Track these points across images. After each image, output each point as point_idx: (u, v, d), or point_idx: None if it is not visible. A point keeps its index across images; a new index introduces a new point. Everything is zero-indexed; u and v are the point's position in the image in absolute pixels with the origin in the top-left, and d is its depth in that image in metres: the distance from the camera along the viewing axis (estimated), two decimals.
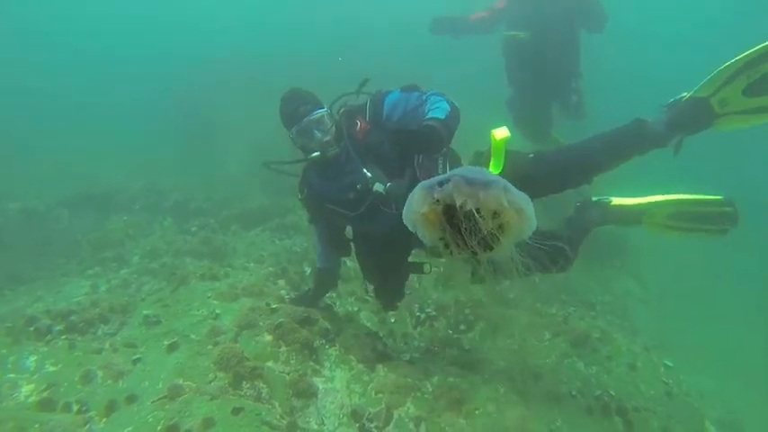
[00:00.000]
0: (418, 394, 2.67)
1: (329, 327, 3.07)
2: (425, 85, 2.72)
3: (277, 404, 2.40)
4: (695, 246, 7.24)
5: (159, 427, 2.10)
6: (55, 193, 6.47)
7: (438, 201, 1.47)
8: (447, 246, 1.58)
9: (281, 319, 2.89)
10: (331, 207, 2.77)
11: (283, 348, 2.76)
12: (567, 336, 3.75)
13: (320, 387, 2.63)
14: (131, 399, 2.33)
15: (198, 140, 9.14)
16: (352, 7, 16.15)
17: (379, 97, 2.67)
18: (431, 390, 2.73)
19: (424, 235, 1.62)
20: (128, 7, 19.62)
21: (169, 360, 2.62)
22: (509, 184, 1.49)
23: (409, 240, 2.61)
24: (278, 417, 2.30)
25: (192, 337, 2.87)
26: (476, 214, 1.43)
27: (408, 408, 2.57)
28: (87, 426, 2.19)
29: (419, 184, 1.55)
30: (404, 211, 1.60)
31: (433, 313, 3.91)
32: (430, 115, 2.42)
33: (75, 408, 2.30)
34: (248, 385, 2.42)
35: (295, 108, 2.56)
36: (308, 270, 4.33)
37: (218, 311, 3.17)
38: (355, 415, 2.54)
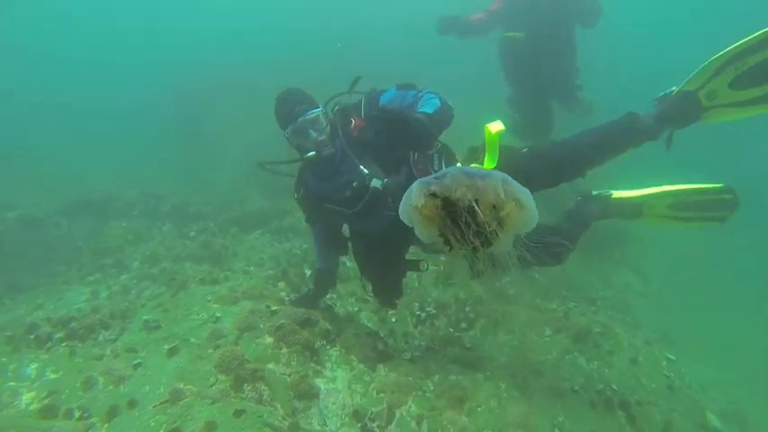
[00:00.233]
0: (420, 393, 2.67)
1: (330, 327, 3.07)
2: (424, 85, 2.74)
3: (279, 406, 2.40)
4: (694, 236, 7.23)
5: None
6: (53, 200, 6.46)
7: (435, 194, 1.47)
8: (447, 242, 1.58)
9: (282, 321, 2.89)
10: (328, 206, 2.77)
11: (284, 350, 2.76)
12: (569, 331, 3.75)
13: (322, 388, 2.63)
14: (133, 404, 2.33)
15: (196, 144, 9.14)
16: (353, 7, 16.15)
17: (374, 95, 2.69)
18: (432, 388, 2.73)
19: (422, 232, 1.62)
20: (125, 13, 19.63)
21: (170, 364, 2.62)
22: (508, 177, 1.50)
23: (406, 237, 2.61)
24: (280, 418, 2.30)
25: (193, 340, 2.87)
26: (475, 206, 1.43)
27: (410, 406, 2.57)
28: None
29: (416, 181, 1.56)
30: (401, 206, 1.60)
31: (434, 312, 3.91)
32: (420, 110, 2.47)
33: (76, 414, 2.31)
34: (250, 388, 2.42)
35: (290, 108, 2.57)
36: (309, 272, 4.33)
37: (218, 315, 3.17)
38: (357, 415, 2.54)
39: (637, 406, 3.07)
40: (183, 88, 11.16)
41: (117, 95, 14.28)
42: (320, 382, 2.66)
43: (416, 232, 1.63)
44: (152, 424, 2.16)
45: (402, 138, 2.50)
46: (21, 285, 4.59)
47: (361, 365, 2.87)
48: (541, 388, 2.98)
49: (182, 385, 2.39)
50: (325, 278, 3.37)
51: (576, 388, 3.10)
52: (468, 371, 2.93)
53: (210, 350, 2.70)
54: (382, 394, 2.64)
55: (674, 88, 2.70)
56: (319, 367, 2.78)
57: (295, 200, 2.97)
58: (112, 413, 2.28)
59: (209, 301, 3.41)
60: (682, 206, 2.98)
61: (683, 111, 2.64)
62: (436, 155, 2.68)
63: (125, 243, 5.54)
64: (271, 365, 2.63)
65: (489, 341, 3.64)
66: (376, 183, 2.51)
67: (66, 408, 2.33)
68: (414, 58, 11.58)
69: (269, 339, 2.80)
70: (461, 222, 1.48)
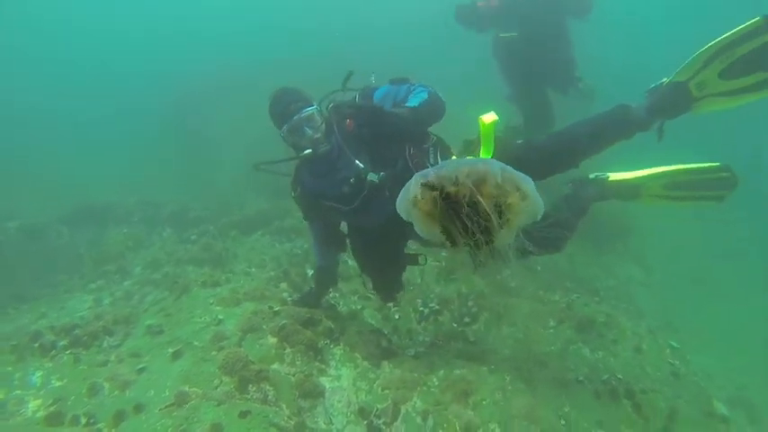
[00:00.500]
0: (424, 388, 2.67)
1: (333, 326, 3.07)
2: (422, 82, 2.75)
3: (284, 406, 2.40)
4: (694, 227, 7.25)
5: None
6: (53, 209, 6.48)
7: (434, 186, 1.46)
8: (449, 237, 1.57)
9: (285, 321, 2.89)
10: (325, 203, 2.77)
11: (288, 350, 2.76)
12: (572, 322, 3.75)
13: (327, 386, 2.63)
14: (139, 408, 2.34)
15: (196, 144, 9.14)
16: (353, 7, 16.12)
17: (368, 91, 2.70)
18: (437, 383, 2.73)
19: (421, 229, 1.61)
20: (125, 13, 19.59)
21: (174, 368, 2.63)
22: (507, 165, 1.50)
23: (404, 231, 2.62)
24: (286, 418, 2.31)
25: (196, 343, 2.87)
26: (477, 196, 1.42)
27: (415, 402, 2.57)
28: None
29: (416, 174, 1.55)
30: (398, 201, 1.60)
31: (437, 307, 3.91)
32: (406, 104, 2.50)
33: (83, 420, 2.31)
34: (254, 388, 2.42)
35: (285, 106, 2.57)
36: (310, 272, 4.33)
37: (220, 317, 3.17)
38: (363, 412, 2.54)
39: (642, 394, 3.07)
40: (183, 88, 11.17)
41: (117, 96, 14.30)
42: (325, 381, 2.67)
43: (416, 229, 1.63)
44: (158, 427, 2.16)
45: (387, 132, 2.53)
46: (24, 295, 4.61)
47: (366, 363, 2.87)
48: (546, 379, 2.98)
49: (187, 388, 2.40)
50: (326, 276, 3.37)
51: (581, 378, 3.10)
52: (473, 365, 2.93)
53: (214, 352, 2.71)
54: (387, 391, 2.65)
55: (664, 79, 2.72)
56: (324, 366, 2.78)
57: (292, 198, 2.97)
58: (119, 418, 2.29)
59: (211, 303, 3.42)
60: (679, 185, 2.99)
61: (673, 102, 2.66)
62: (431, 148, 2.68)
63: (126, 249, 5.55)
64: (275, 366, 2.63)
65: (493, 334, 3.64)
66: (372, 177, 2.52)
67: (72, 414, 2.34)
68: (414, 58, 11.58)
69: (272, 340, 2.81)
70: (463, 215, 1.47)
